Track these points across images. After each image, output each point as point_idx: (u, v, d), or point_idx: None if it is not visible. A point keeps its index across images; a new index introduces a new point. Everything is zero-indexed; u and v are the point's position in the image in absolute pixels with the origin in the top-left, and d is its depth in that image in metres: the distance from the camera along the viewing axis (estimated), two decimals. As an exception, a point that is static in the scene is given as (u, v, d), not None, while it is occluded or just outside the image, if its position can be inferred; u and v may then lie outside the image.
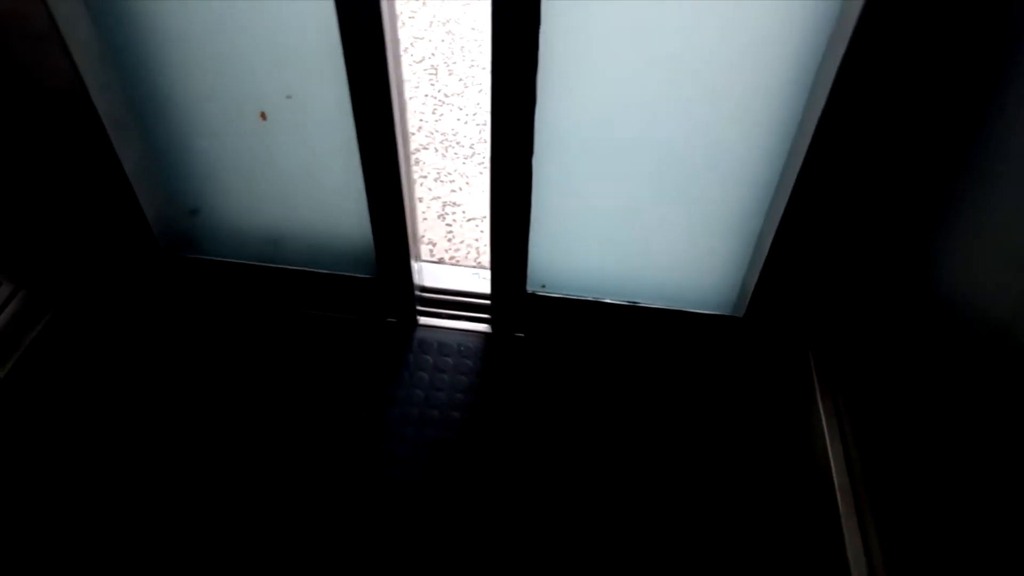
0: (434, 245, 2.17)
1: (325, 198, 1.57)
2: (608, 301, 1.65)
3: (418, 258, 1.72)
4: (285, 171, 1.53)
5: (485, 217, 2.25)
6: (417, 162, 2.45)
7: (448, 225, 2.24)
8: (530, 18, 1.20)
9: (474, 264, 2.11)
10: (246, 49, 1.34)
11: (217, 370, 1.68)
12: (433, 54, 2.96)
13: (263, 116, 1.45)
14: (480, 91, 2.76)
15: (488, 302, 1.77)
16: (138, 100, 1.46)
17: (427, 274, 1.83)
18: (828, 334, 1.58)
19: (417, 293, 1.74)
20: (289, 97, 1.41)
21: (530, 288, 1.66)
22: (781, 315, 1.59)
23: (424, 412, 1.60)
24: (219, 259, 1.69)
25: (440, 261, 2.11)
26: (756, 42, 1.20)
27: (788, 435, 1.57)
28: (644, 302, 1.65)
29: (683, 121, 1.32)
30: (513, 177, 1.44)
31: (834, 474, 1.37)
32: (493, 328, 1.76)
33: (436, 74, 2.85)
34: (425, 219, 2.25)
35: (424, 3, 3.26)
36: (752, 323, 1.62)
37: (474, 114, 2.65)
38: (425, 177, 2.40)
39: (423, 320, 1.76)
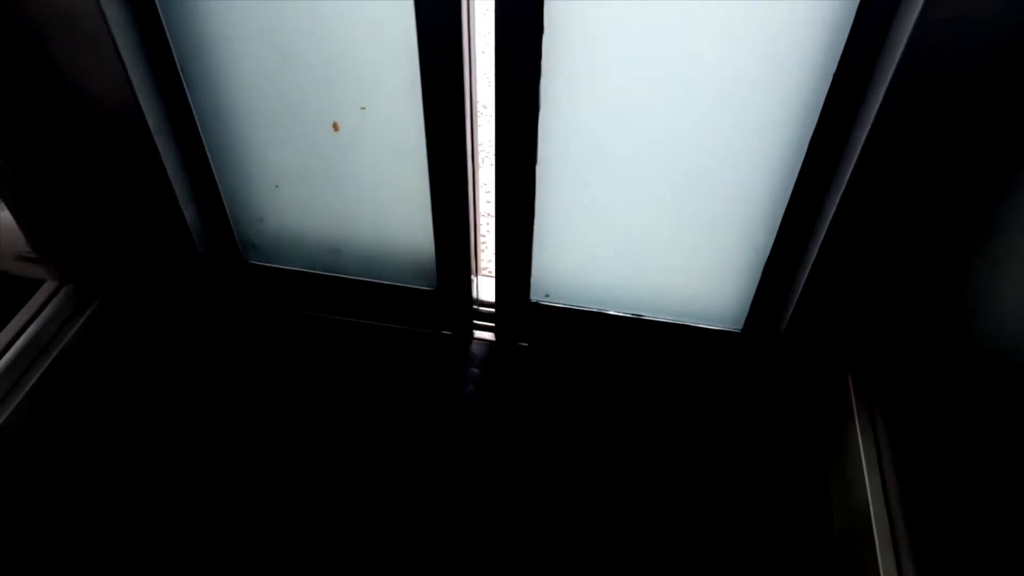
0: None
1: (389, 209, 1.57)
2: (612, 313, 1.63)
3: (477, 272, 1.71)
4: (353, 181, 1.54)
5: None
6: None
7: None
8: (533, 23, 1.18)
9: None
10: (322, 60, 1.35)
11: (272, 375, 1.68)
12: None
13: (336, 127, 1.46)
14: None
15: (492, 310, 1.76)
16: (209, 108, 1.47)
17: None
18: (867, 357, 1.54)
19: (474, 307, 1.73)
20: (363, 108, 1.42)
21: (534, 298, 1.65)
22: (774, 332, 1.56)
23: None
24: (283, 267, 1.70)
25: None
26: (768, 55, 1.18)
27: (810, 457, 1.54)
28: (648, 315, 1.63)
29: (690, 132, 1.30)
30: (517, 186, 1.43)
31: (870, 502, 1.33)
32: (497, 337, 1.74)
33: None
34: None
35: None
36: (751, 339, 1.60)
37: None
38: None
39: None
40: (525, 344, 1.74)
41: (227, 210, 1.62)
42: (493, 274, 1.63)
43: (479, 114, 2.74)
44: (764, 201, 1.38)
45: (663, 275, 1.56)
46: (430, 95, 1.32)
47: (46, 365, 1.54)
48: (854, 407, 1.49)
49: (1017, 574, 0.95)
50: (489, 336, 1.75)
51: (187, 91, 1.43)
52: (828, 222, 1.30)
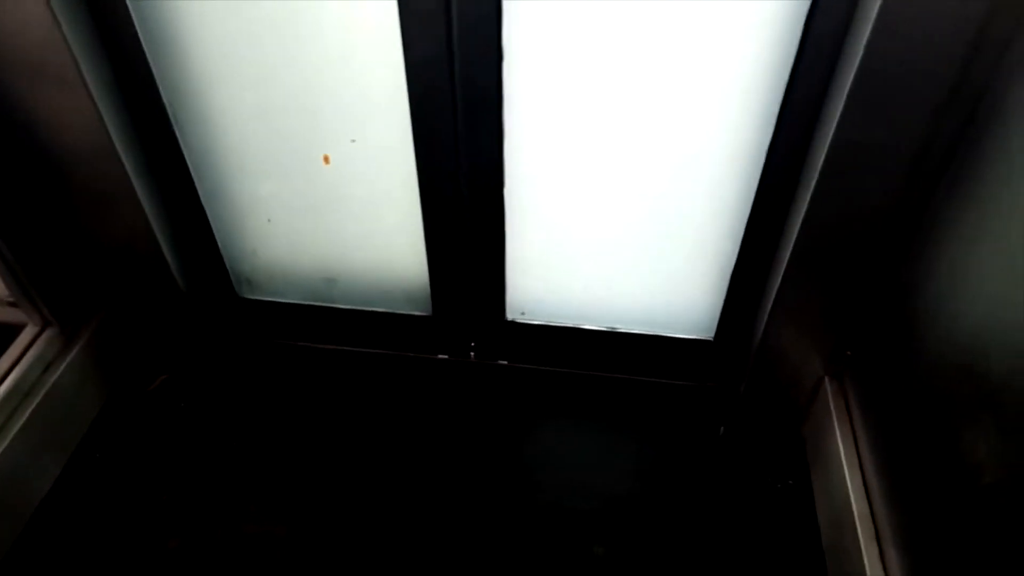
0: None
1: (382, 238, 1.59)
2: (588, 327, 1.68)
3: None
4: (345, 212, 1.56)
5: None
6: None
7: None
8: (495, 45, 1.22)
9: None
10: (311, 93, 1.38)
11: (268, 406, 1.68)
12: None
13: (326, 160, 1.48)
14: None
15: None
16: (198, 146, 1.47)
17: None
18: (841, 359, 1.59)
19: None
20: (353, 141, 1.45)
21: (510, 316, 1.70)
22: (748, 339, 1.62)
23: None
24: (277, 299, 1.71)
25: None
26: (728, 57, 1.23)
27: (793, 461, 1.63)
28: (622, 327, 1.68)
29: (656, 142, 1.35)
30: (486, 206, 1.48)
31: (852, 500, 1.39)
32: (476, 356, 1.79)
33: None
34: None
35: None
36: (723, 346, 1.66)
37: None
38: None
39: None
40: (504, 362, 1.78)
41: (219, 245, 1.62)
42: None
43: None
44: (728, 208, 1.44)
45: (635, 287, 1.62)
46: (419, 124, 1.36)
47: (31, 410, 1.49)
48: (832, 409, 1.57)
49: (996, 563, 1.02)
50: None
51: (175, 130, 1.43)
52: (797, 227, 1.34)
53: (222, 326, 1.76)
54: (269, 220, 1.59)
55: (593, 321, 1.68)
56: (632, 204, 1.46)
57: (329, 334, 1.76)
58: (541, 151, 1.40)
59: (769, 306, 1.51)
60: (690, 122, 1.31)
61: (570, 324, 1.69)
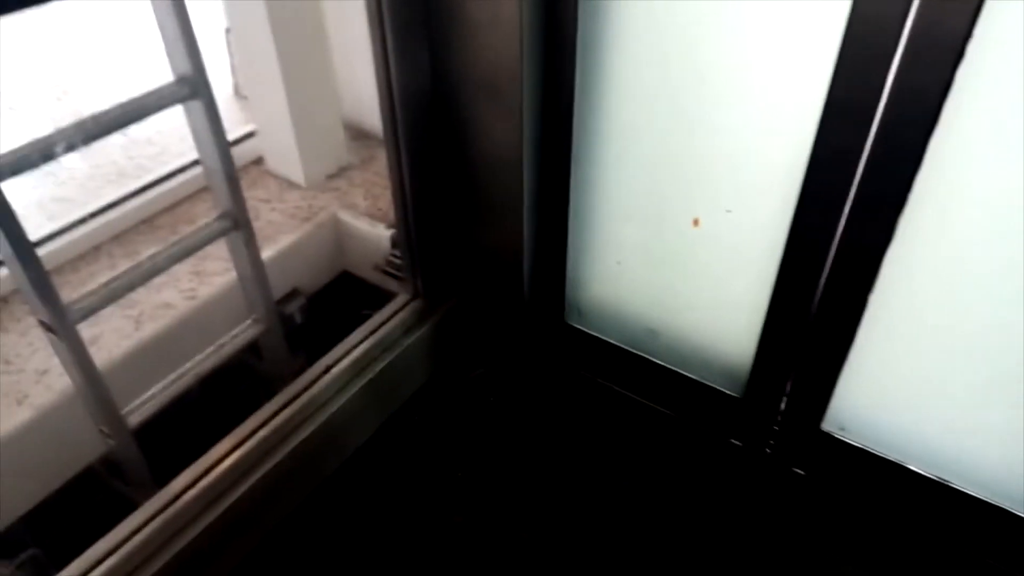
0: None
1: (719, 306, 1.61)
2: (915, 469, 1.44)
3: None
4: (693, 273, 1.60)
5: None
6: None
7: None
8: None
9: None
10: (705, 158, 1.45)
11: (562, 428, 1.78)
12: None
13: (696, 223, 1.54)
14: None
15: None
16: (583, 176, 1.62)
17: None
18: None
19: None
20: (728, 212, 1.48)
21: (825, 426, 1.53)
22: None
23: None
24: (598, 335, 1.81)
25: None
26: None
27: None
28: (957, 483, 1.45)
29: None
30: (843, 307, 1.39)
31: None
32: (771, 453, 1.65)
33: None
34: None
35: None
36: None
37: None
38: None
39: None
40: (800, 472, 1.66)
41: (567, 270, 1.77)
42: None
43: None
44: None
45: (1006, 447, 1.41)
46: (801, 216, 1.35)
47: (382, 365, 1.76)
48: None
49: None
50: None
51: (572, 160, 1.60)
52: None
53: (544, 343, 1.91)
54: (619, 263, 1.69)
55: (925, 465, 1.50)
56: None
57: (633, 381, 1.81)
58: (931, 266, 1.31)
59: None
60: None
61: (894, 458, 1.53)
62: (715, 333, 1.65)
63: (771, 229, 1.43)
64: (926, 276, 1.32)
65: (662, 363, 1.74)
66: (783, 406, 1.61)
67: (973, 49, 1.09)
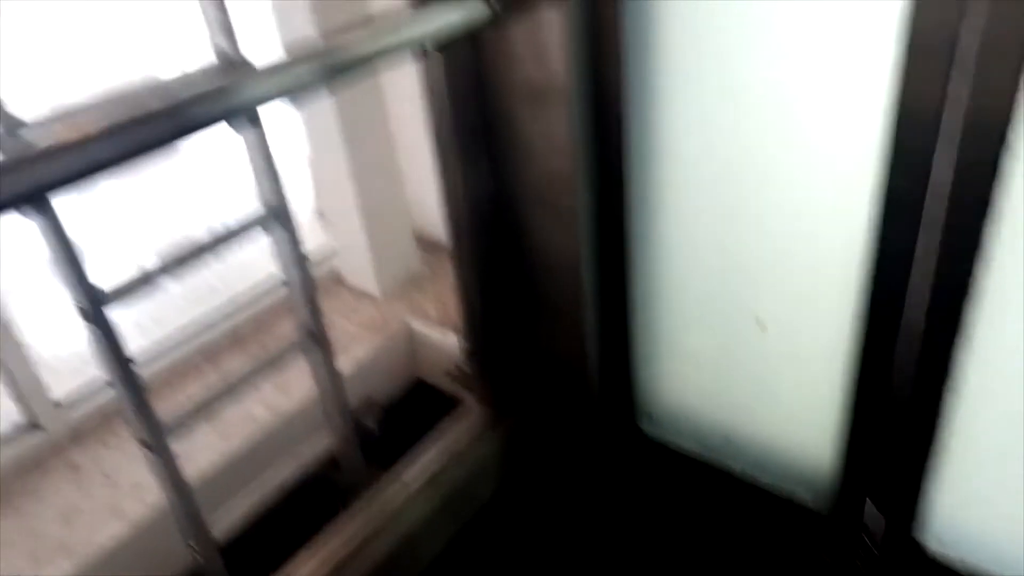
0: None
1: (794, 416, 1.57)
2: None
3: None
4: (766, 378, 1.58)
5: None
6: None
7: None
8: None
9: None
10: (765, 261, 1.46)
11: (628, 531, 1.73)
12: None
13: (760, 322, 1.54)
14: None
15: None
16: (645, 280, 1.65)
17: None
18: None
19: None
20: (793, 310, 1.48)
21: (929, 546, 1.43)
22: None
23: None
24: (670, 440, 1.79)
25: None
26: None
27: None
28: None
29: None
30: (924, 410, 1.34)
31: None
32: (862, 566, 1.53)
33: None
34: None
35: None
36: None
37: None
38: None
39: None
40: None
41: (633, 375, 1.77)
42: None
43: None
44: None
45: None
46: (873, 324, 1.34)
47: (456, 472, 1.77)
48: None
49: None
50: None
51: (631, 266, 1.63)
52: None
53: (614, 449, 1.89)
54: (687, 366, 1.69)
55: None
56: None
57: (708, 490, 1.76)
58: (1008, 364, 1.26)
59: None
60: None
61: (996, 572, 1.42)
62: (791, 437, 1.60)
63: (839, 333, 1.41)
64: (1006, 360, 1.27)
65: (736, 469, 1.69)
66: (869, 512, 1.53)
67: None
